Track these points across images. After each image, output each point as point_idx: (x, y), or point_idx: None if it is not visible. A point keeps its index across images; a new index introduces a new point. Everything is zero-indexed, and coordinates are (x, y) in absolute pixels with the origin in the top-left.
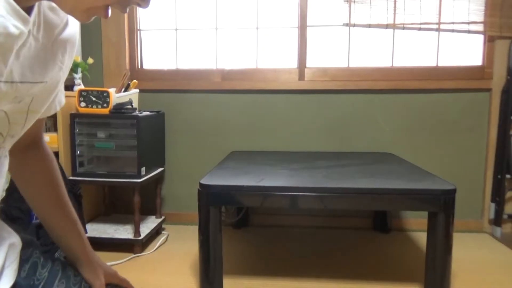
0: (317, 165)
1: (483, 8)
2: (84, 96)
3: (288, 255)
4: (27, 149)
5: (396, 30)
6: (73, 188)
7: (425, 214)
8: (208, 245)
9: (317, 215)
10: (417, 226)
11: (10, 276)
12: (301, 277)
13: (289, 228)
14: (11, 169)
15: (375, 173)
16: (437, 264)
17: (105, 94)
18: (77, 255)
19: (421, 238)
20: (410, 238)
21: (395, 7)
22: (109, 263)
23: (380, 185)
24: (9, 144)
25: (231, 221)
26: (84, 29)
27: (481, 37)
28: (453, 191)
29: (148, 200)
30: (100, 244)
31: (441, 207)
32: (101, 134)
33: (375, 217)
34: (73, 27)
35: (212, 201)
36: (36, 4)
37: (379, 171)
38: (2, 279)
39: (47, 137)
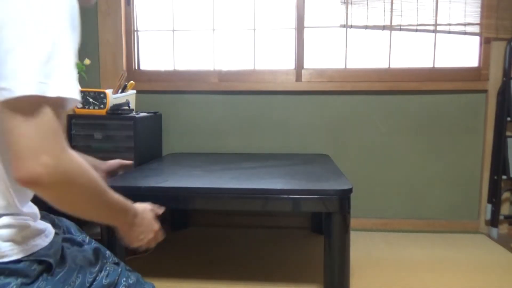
0: (241, 166)
1: (479, 10)
2: (81, 97)
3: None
4: None
5: (393, 32)
6: None
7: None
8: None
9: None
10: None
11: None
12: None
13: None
14: None
15: (291, 174)
16: (335, 264)
17: (102, 95)
18: None
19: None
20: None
21: (392, 8)
22: None
23: (274, 185)
24: None
25: None
26: (81, 30)
27: (477, 39)
28: (348, 191)
29: None
30: None
31: (336, 207)
32: (98, 135)
33: (312, 218)
34: None
35: None
36: None
37: (296, 172)
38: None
39: None
